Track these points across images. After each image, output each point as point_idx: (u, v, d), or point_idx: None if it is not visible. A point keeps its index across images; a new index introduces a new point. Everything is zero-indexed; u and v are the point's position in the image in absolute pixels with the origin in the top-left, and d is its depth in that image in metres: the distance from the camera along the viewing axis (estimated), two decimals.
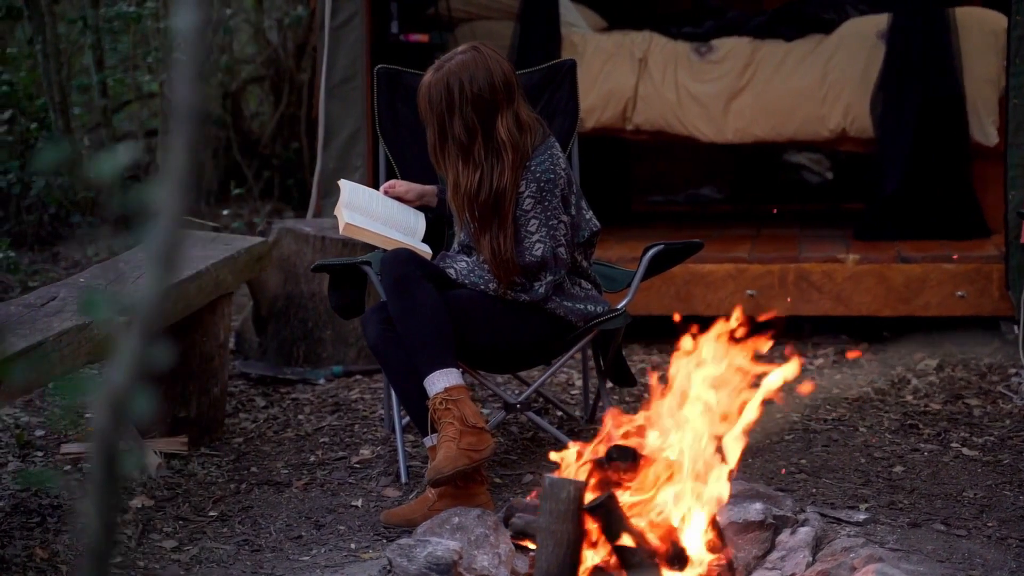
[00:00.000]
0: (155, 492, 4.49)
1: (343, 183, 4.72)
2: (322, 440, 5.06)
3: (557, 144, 4.49)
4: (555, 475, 3.30)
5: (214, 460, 4.84)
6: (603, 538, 3.28)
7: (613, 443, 3.44)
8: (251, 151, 10.45)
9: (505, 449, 4.91)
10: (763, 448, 4.89)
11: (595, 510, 3.26)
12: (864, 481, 4.51)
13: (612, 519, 3.27)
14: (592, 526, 3.27)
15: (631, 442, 3.45)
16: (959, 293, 6.13)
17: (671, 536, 3.38)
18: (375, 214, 4.61)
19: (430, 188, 4.75)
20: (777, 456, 4.79)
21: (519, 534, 3.49)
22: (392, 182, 4.79)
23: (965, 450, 4.82)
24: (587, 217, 4.55)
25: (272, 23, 10.61)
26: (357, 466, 4.78)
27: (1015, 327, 5.78)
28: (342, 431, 5.17)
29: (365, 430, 5.17)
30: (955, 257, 6.20)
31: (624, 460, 3.42)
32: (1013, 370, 5.81)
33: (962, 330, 6.32)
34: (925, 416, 5.24)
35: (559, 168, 4.41)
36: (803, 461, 4.74)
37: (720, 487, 3.53)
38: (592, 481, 3.39)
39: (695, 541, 3.44)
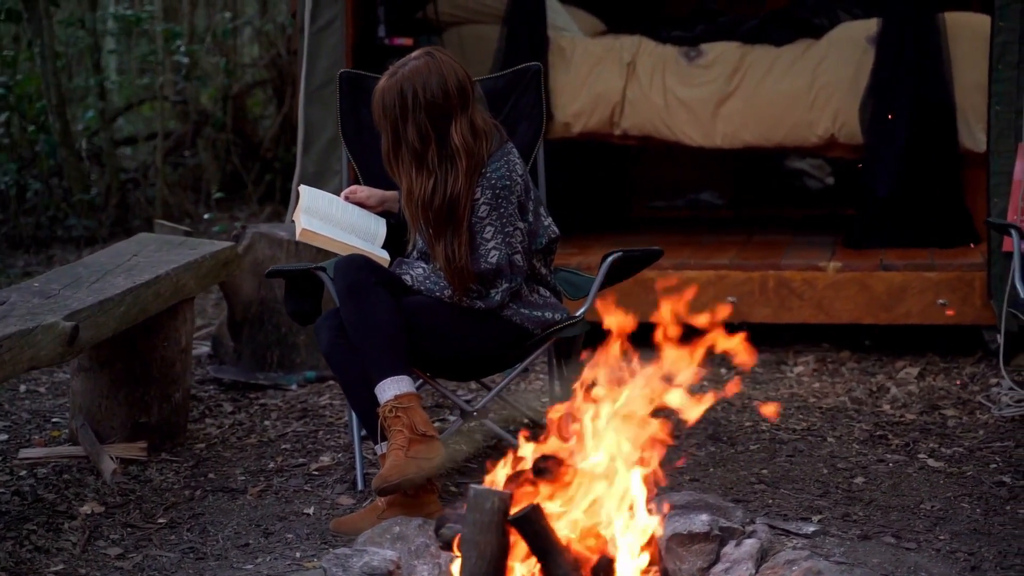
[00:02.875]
0: (107, 498, 4.46)
1: (303, 188, 4.69)
2: (284, 447, 5.04)
3: (515, 150, 4.45)
4: (481, 486, 3.26)
5: (173, 466, 4.81)
6: (528, 550, 3.24)
7: (541, 454, 3.40)
8: (253, 154, 10.45)
9: (466, 457, 4.87)
10: (727, 458, 4.85)
11: (519, 521, 3.21)
12: (823, 492, 4.45)
13: (537, 530, 3.23)
14: (516, 538, 3.23)
15: (560, 452, 3.41)
16: (941, 301, 6.05)
17: (599, 547, 3.33)
18: (335, 220, 4.58)
19: (391, 193, 4.71)
20: (739, 466, 4.74)
21: (447, 544, 3.45)
22: (353, 187, 4.76)
23: (931, 461, 4.76)
24: (545, 224, 4.50)
25: (275, 26, 10.61)
26: (315, 473, 4.75)
27: (998, 336, 5.70)
28: (306, 438, 5.14)
29: (328, 437, 5.14)
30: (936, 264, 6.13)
31: (552, 470, 3.38)
32: (994, 380, 5.73)
33: (947, 338, 6.26)
34: (897, 426, 5.18)
35: (515, 175, 4.37)
36: (764, 471, 4.69)
37: (650, 497, 3.49)
38: (520, 491, 3.34)
39: (625, 552, 3.39)
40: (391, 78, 4.34)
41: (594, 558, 3.32)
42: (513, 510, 3.24)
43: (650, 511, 3.90)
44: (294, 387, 5.77)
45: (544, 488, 3.36)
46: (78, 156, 9.06)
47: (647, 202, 8.88)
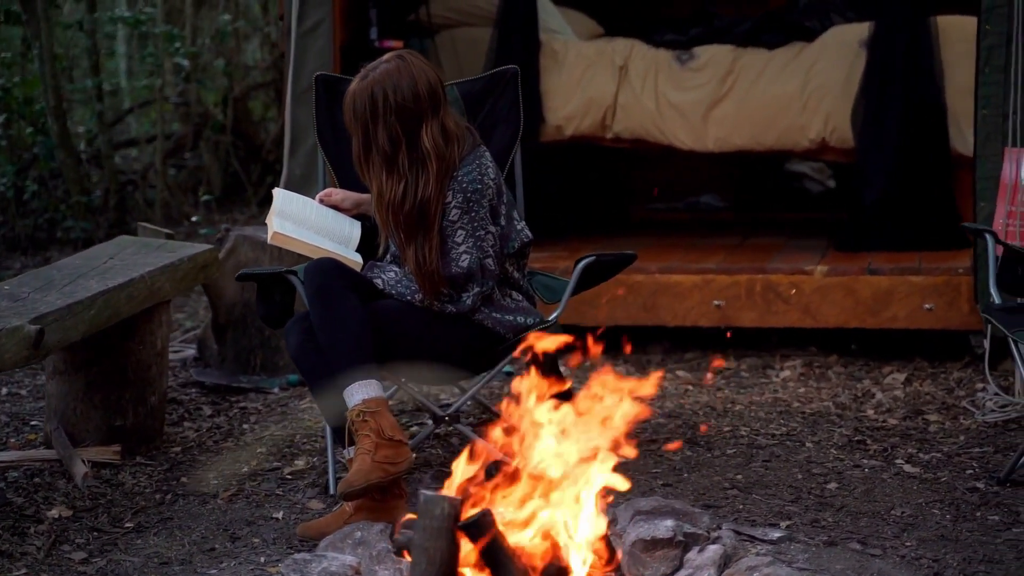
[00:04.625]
0: (76, 502, 4.46)
1: (277, 191, 4.68)
2: (259, 450, 5.03)
3: (487, 154, 4.43)
4: (432, 491, 3.25)
5: (146, 470, 4.80)
6: (479, 556, 3.22)
7: (492, 459, 3.38)
8: (255, 157, 10.46)
9: (441, 461, 4.86)
10: (702, 463, 4.82)
11: (469, 527, 3.20)
12: (795, 498, 4.43)
13: (487, 536, 3.21)
14: (467, 544, 3.21)
15: (513, 458, 3.40)
16: (927, 306, 6.02)
17: (553, 553, 3.31)
18: (308, 223, 4.57)
19: (367, 196, 4.69)
20: (714, 471, 4.72)
21: (401, 550, 3.44)
22: (329, 190, 4.75)
23: (907, 467, 4.73)
24: (518, 228, 4.49)
25: (278, 28, 10.60)
26: (289, 477, 4.74)
27: (984, 341, 5.67)
28: (282, 441, 5.13)
29: (305, 441, 5.13)
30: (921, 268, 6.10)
31: (504, 476, 3.36)
32: (980, 385, 5.70)
33: (935, 343, 6.23)
34: (878, 432, 5.15)
35: (487, 178, 4.36)
36: (739, 476, 4.66)
37: (611, 501, 3.48)
38: (471, 497, 3.33)
39: (580, 558, 3.37)
40: (362, 81, 4.33)
41: (545, 564, 3.29)
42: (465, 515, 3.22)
43: (613, 517, 3.90)
44: (276, 390, 5.77)
45: (496, 494, 3.33)
46: (77, 158, 9.07)
47: (647, 205, 8.87)
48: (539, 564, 3.29)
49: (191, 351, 6.30)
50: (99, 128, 9.35)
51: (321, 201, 4.69)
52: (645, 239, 7.38)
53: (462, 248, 4.32)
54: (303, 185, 6.19)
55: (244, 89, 10.65)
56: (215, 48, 10.22)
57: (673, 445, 4.90)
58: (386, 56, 4.38)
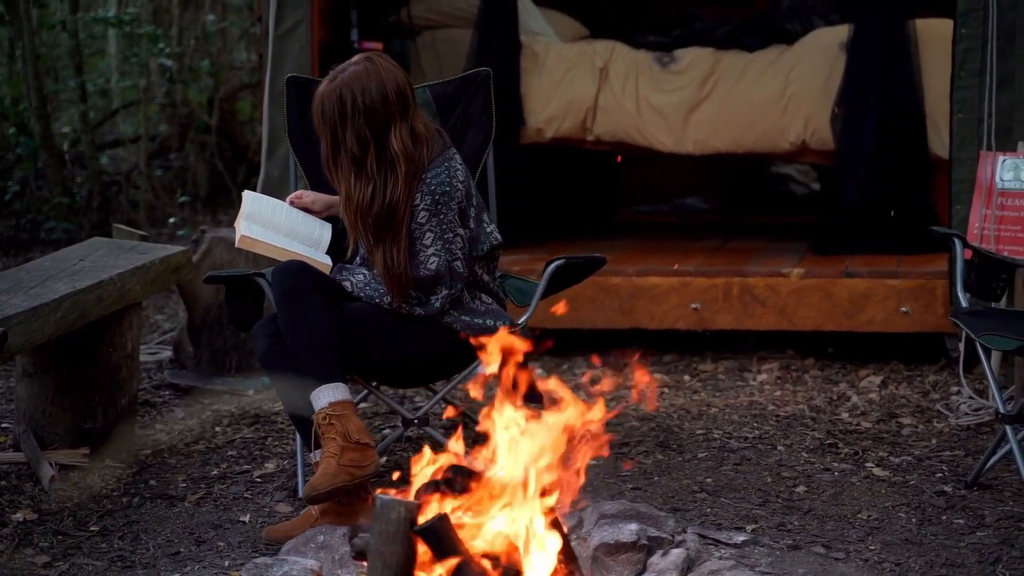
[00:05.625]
0: (42, 505, 4.45)
1: (246, 194, 4.67)
2: (230, 453, 5.02)
3: (457, 156, 4.43)
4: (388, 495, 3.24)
5: (115, 472, 4.79)
6: (435, 561, 3.21)
7: (451, 463, 3.37)
8: (241, 157, 10.44)
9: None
10: (673, 466, 4.81)
11: (426, 532, 3.19)
12: (763, 501, 4.42)
13: (443, 541, 3.20)
14: (423, 549, 3.20)
15: (471, 462, 3.38)
16: (903, 309, 6.01)
17: (509, 558, 3.30)
18: (277, 225, 4.56)
19: (338, 198, 4.68)
20: (684, 475, 4.71)
21: (360, 554, 3.42)
22: (299, 192, 4.74)
23: (877, 470, 4.72)
24: (487, 230, 4.48)
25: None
26: (258, 480, 4.73)
27: (959, 344, 5.66)
28: (253, 444, 5.12)
29: (277, 443, 5.12)
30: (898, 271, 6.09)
31: (463, 480, 3.35)
32: (955, 388, 5.69)
33: (911, 346, 6.22)
34: (850, 435, 5.14)
35: (456, 181, 4.35)
36: (708, 480, 4.65)
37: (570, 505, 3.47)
38: (429, 501, 3.31)
39: (538, 563, 3.36)
40: (330, 83, 4.33)
41: (501, 569, 3.28)
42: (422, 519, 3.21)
43: (578, 521, 3.90)
44: (251, 392, 5.76)
45: (454, 498, 3.32)
46: (60, 159, 9.06)
47: (634, 206, 8.86)
48: (495, 570, 3.27)
49: (168, 353, 6.28)
50: (83, 128, 9.33)
51: (292, 203, 4.68)
52: (628, 241, 7.37)
53: (430, 251, 4.32)
54: (281, 187, 6.17)
55: (230, 90, 10.63)
56: (201, 48, 10.19)
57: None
58: (355, 58, 4.37)
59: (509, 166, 6.84)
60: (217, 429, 5.32)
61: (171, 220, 8.89)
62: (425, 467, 3.36)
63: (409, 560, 3.19)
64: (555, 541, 3.36)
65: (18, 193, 9.07)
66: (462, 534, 3.26)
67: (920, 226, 6.52)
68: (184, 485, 4.68)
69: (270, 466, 4.86)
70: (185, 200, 9.18)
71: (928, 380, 5.88)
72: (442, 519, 3.20)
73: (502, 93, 6.80)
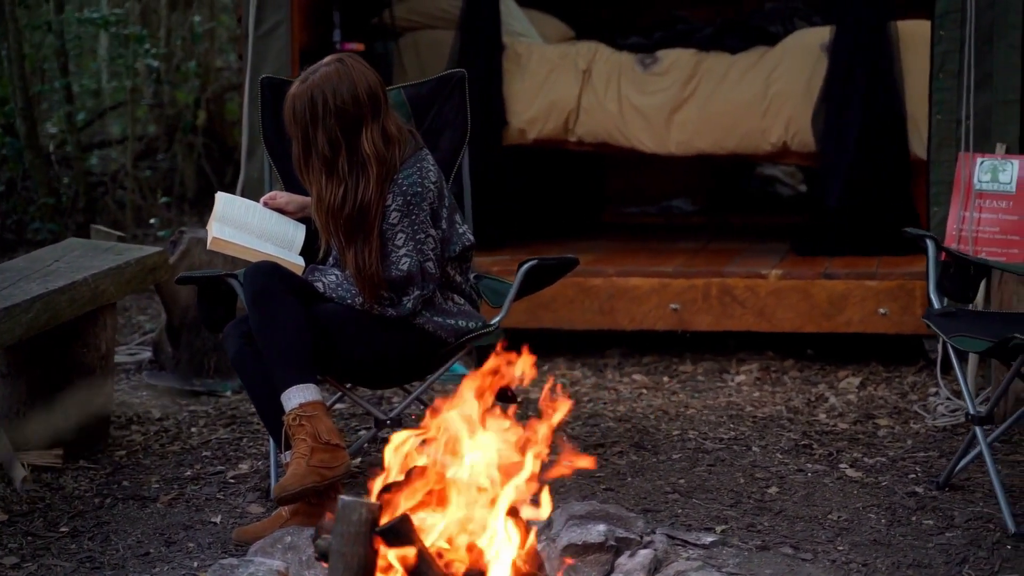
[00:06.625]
0: (13, 506, 4.44)
1: (219, 195, 4.66)
2: (204, 454, 5.02)
3: (429, 157, 4.42)
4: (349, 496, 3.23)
5: (88, 473, 4.79)
6: (397, 562, 3.21)
7: (413, 464, 3.37)
8: (229, 158, 10.44)
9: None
10: (647, 467, 4.81)
11: (387, 533, 3.18)
12: (734, 502, 4.42)
13: (405, 542, 3.19)
14: (385, 549, 3.20)
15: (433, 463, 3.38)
16: (881, 310, 6.02)
17: (473, 559, 3.30)
18: (250, 227, 4.55)
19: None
20: (657, 476, 4.71)
21: (323, 555, 3.42)
22: (273, 193, 4.74)
23: (850, 471, 4.72)
24: (460, 231, 4.48)
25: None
26: (231, 481, 4.73)
27: (937, 345, 5.66)
28: (228, 445, 5.12)
29: (252, 444, 5.12)
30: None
31: (424, 480, 3.35)
32: (933, 390, 5.70)
33: (891, 347, 6.22)
34: (826, 436, 5.14)
35: (428, 181, 4.35)
36: (681, 481, 4.65)
37: (528, 506, 3.46)
38: (391, 502, 3.31)
39: (502, 564, 3.36)
40: (302, 84, 4.32)
41: (464, 569, 3.28)
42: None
43: (547, 522, 3.89)
44: (229, 394, 5.76)
45: (416, 498, 3.32)
46: (46, 160, 9.05)
47: (621, 208, 8.87)
48: (457, 570, 3.27)
49: (148, 354, 6.28)
50: (68, 129, 9.33)
51: (266, 204, 4.67)
52: (611, 242, 7.38)
53: (402, 251, 4.31)
54: (260, 188, 6.15)
55: (217, 90, 10.63)
56: (188, 49, 10.19)
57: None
58: (326, 59, 4.37)
59: (493, 167, 6.86)
60: (193, 430, 5.31)
61: (151, 221, 8.87)
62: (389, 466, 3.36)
63: (370, 561, 3.19)
64: (519, 540, 3.35)
65: (3, 194, 9.06)
66: (424, 535, 3.25)
67: (900, 227, 6.54)
68: (157, 486, 4.68)
69: (244, 467, 4.86)
70: (167, 201, 9.16)
71: (907, 381, 5.88)
72: (403, 519, 3.20)
73: (485, 94, 6.82)
